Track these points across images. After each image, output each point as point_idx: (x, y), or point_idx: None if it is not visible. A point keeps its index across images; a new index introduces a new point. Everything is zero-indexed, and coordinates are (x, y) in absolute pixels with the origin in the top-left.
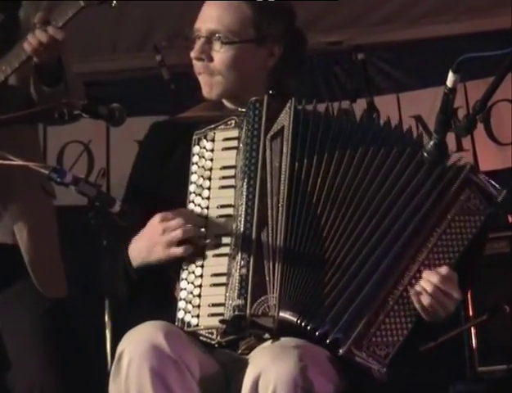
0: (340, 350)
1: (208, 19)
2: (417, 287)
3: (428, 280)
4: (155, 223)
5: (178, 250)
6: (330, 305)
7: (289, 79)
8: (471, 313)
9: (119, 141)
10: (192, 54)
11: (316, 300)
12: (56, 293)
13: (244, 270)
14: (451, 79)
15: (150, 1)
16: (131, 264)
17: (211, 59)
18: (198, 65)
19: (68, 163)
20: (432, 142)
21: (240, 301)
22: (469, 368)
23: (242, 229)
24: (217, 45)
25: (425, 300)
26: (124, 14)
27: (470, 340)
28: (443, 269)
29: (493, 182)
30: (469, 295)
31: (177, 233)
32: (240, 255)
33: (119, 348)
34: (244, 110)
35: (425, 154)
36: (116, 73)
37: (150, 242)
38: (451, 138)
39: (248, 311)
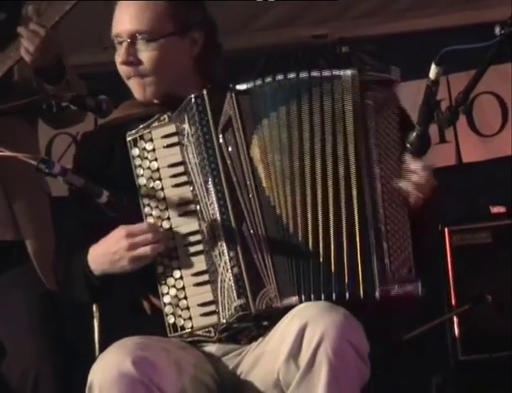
0: (376, 294)
1: (127, 21)
2: (401, 184)
3: (407, 181)
4: (119, 237)
5: (144, 261)
6: (328, 269)
7: (215, 63)
8: (454, 303)
9: None
10: (119, 59)
11: (311, 273)
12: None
13: (236, 269)
14: (433, 71)
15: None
16: (92, 272)
17: (139, 61)
18: (126, 70)
19: (56, 154)
20: (415, 134)
21: (241, 301)
22: (451, 358)
23: (221, 227)
24: (141, 45)
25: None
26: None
27: (453, 329)
28: (408, 165)
29: (381, 74)
30: (451, 285)
31: (146, 250)
32: (226, 253)
33: (89, 377)
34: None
35: (408, 145)
36: (102, 65)
37: (114, 256)
38: (433, 130)
39: (252, 308)
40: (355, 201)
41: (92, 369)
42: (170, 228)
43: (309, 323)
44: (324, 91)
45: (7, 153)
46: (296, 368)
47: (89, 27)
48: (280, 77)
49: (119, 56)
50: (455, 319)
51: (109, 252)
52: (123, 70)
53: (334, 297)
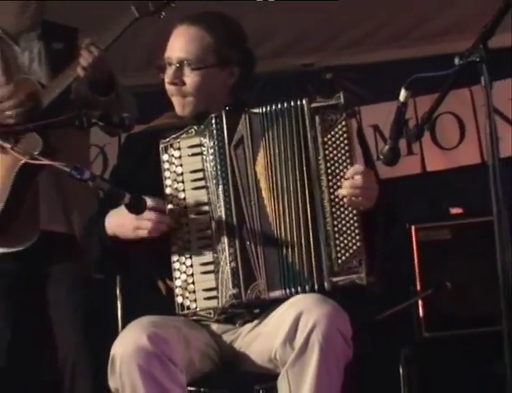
0: (326, 286)
1: (177, 49)
2: (342, 191)
3: (344, 187)
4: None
5: (143, 234)
6: (302, 267)
7: (245, 93)
8: (419, 289)
9: None
10: (167, 79)
11: (292, 271)
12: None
13: (233, 263)
14: (403, 94)
15: (154, 30)
16: (105, 230)
17: (183, 83)
18: (171, 88)
19: None
20: (387, 147)
21: (235, 290)
22: (417, 334)
23: (225, 228)
24: (187, 71)
25: (354, 202)
26: (133, 39)
27: (418, 310)
28: (346, 173)
29: (326, 100)
30: (417, 274)
31: (147, 225)
32: (227, 250)
33: (112, 351)
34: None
35: (381, 156)
36: (126, 88)
37: (122, 220)
38: (403, 143)
39: (244, 297)
40: (309, 209)
41: (113, 345)
42: (186, 224)
43: (304, 312)
44: (293, 117)
45: (45, 161)
46: (291, 349)
47: (115, 56)
48: (279, 105)
49: (167, 77)
50: (420, 302)
51: (120, 214)
52: (169, 88)
53: (307, 289)
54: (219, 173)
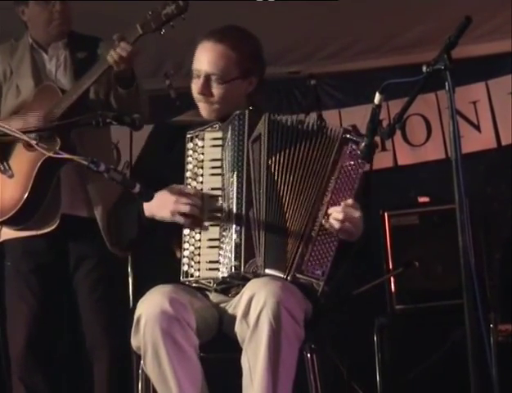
0: (288, 278)
1: (206, 63)
2: (331, 217)
3: (337, 210)
4: (172, 190)
5: (180, 220)
6: (290, 256)
7: (259, 97)
8: (391, 267)
9: (139, 141)
10: (196, 89)
11: (289, 258)
12: (123, 253)
13: (237, 239)
14: (377, 98)
15: (161, 39)
16: (144, 212)
17: (211, 94)
18: (200, 97)
19: None
20: (364, 143)
21: (236, 262)
22: (388, 306)
23: (235, 209)
24: (214, 84)
25: (337, 224)
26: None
27: (390, 286)
28: (347, 201)
29: (356, 135)
30: (389, 254)
31: (185, 208)
32: (234, 227)
33: (137, 313)
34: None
35: (359, 152)
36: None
37: (162, 203)
38: (377, 141)
39: (242, 269)
40: (309, 210)
41: (138, 306)
42: (201, 204)
43: (255, 294)
44: (324, 135)
45: (65, 155)
46: (247, 326)
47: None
48: (300, 118)
49: (197, 87)
50: (391, 279)
51: (160, 199)
52: (197, 96)
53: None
54: (236, 161)
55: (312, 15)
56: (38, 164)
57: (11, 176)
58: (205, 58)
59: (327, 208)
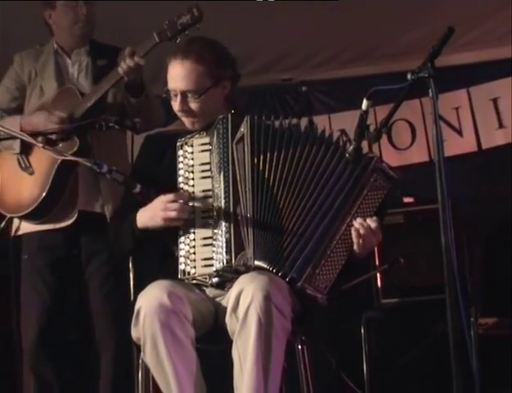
0: (298, 285)
1: (178, 82)
2: (356, 224)
3: (362, 223)
4: (159, 201)
5: (172, 224)
6: (287, 255)
7: (238, 99)
8: (378, 264)
9: (140, 144)
10: (176, 108)
11: (278, 251)
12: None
13: (227, 235)
14: (365, 104)
15: (160, 49)
16: (136, 225)
17: (191, 109)
18: (181, 114)
19: None
20: (352, 147)
21: (227, 256)
22: (376, 301)
23: (223, 207)
24: (191, 99)
25: (358, 236)
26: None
27: (377, 281)
28: (371, 220)
29: (390, 169)
30: (376, 252)
31: (174, 214)
32: (223, 224)
33: (137, 305)
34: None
35: (347, 155)
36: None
37: (152, 213)
38: (365, 145)
39: (233, 263)
40: (323, 222)
41: (138, 299)
42: (193, 206)
43: (244, 289)
44: (323, 143)
45: (70, 157)
46: (236, 319)
47: None
48: (292, 122)
49: (176, 106)
50: (378, 275)
51: (150, 210)
52: (178, 113)
53: (280, 273)
54: (222, 162)
55: (303, 25)
56: (58, 163)
57: (32, 173)
58: (177, 77)
59: (346, 229)
